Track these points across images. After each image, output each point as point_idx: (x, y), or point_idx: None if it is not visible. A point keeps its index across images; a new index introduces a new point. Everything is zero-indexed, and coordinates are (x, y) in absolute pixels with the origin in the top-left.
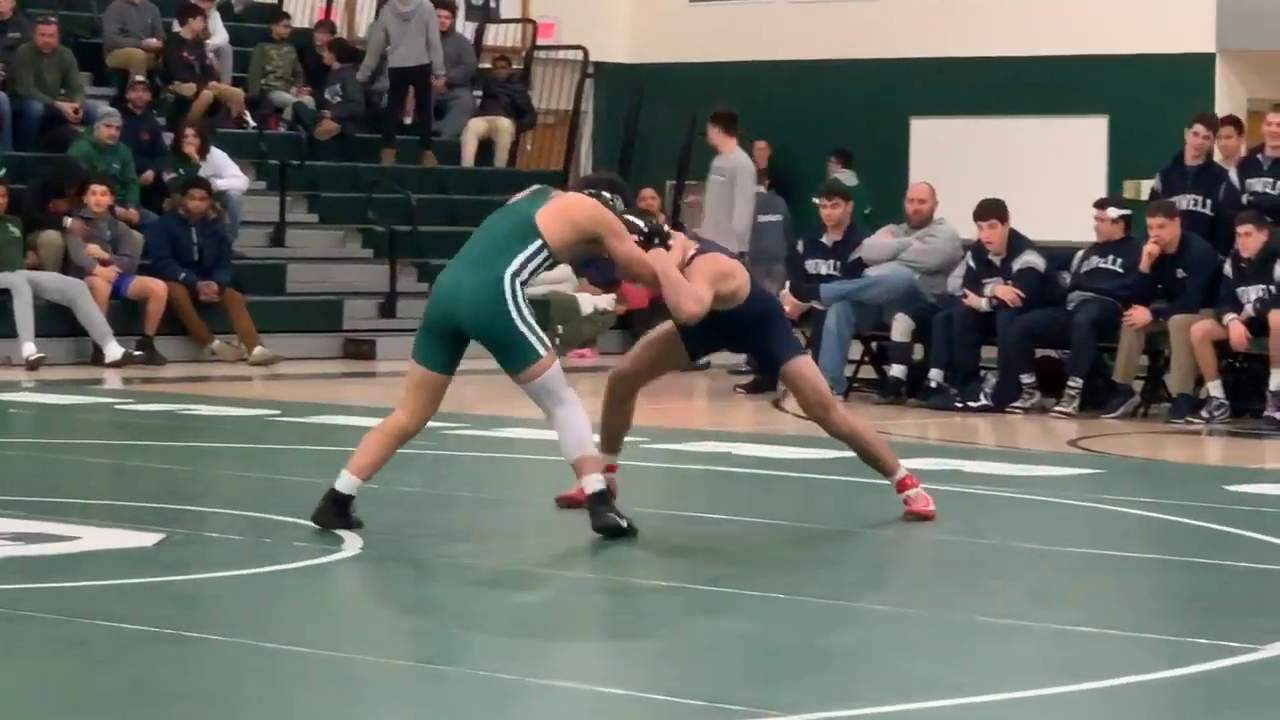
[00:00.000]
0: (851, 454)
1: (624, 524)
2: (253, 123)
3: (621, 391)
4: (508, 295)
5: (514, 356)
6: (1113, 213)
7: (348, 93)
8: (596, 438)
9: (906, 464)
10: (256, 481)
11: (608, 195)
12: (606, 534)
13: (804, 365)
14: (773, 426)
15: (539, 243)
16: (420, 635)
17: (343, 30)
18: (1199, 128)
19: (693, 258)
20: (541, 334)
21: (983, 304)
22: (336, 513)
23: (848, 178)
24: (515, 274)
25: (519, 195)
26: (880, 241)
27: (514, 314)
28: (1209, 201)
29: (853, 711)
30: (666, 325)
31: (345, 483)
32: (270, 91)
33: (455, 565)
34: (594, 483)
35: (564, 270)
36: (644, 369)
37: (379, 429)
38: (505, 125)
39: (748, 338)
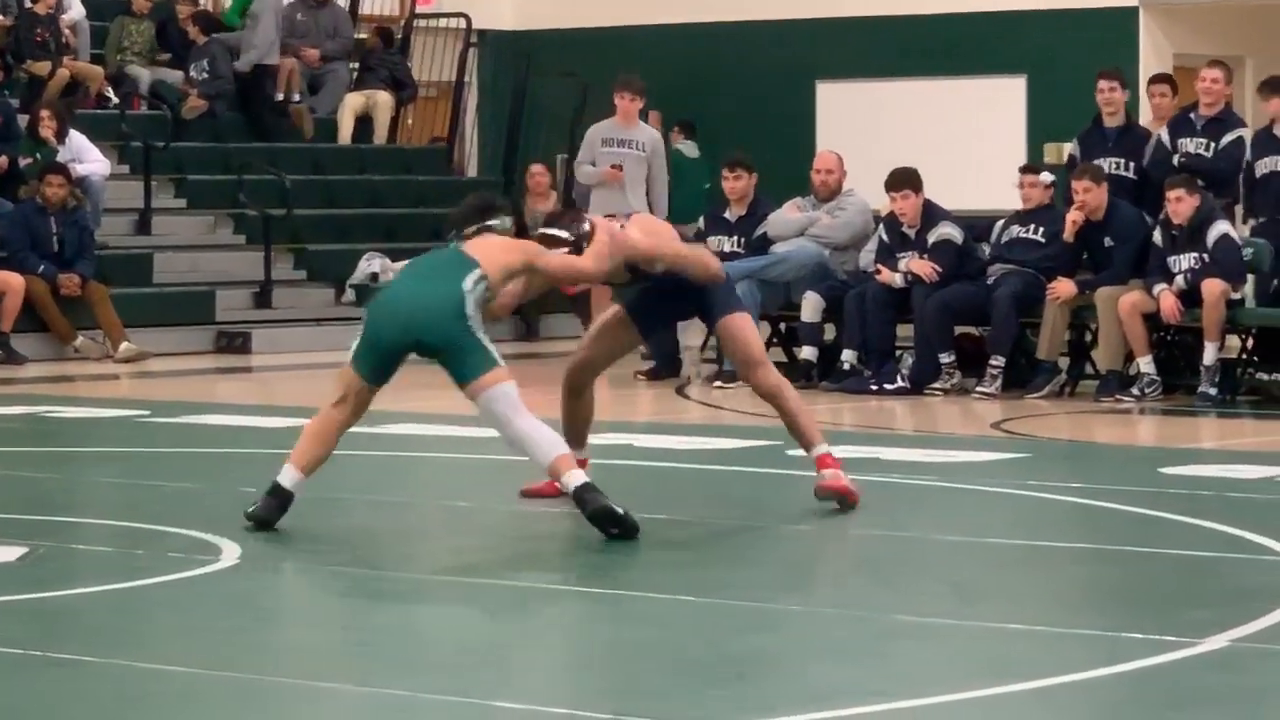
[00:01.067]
0: (761, 444)
1: (620, 510)
2: (115, 101)
3: (579, 383)
4: (467, 305)
5: (474, 365)
6: (1046, 177)
7: (215, 69)
8: None
9: None
10: (127, 488)
11: (494, 223)
12: (604, 520)
13: (739, 320)
14: (676, 416)
15: (479, 270)
16: (304, 651)
17: (206, 2)
18: (1103, 84)
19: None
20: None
21: (897, 279)
22: (279, 509)
23: (689, 149)
24: (469, 290)
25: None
26: (786, 216)
27: (473, 322)
28: (1132, 165)
29: None
30: (613, 310)
31: (289, 478)
32: (127, 66)
33: (340, 574)
34: (576, 478)
35: None
36: (600, 356)
37: (321, 426)
38: (384, 100)
39: (689, 298)
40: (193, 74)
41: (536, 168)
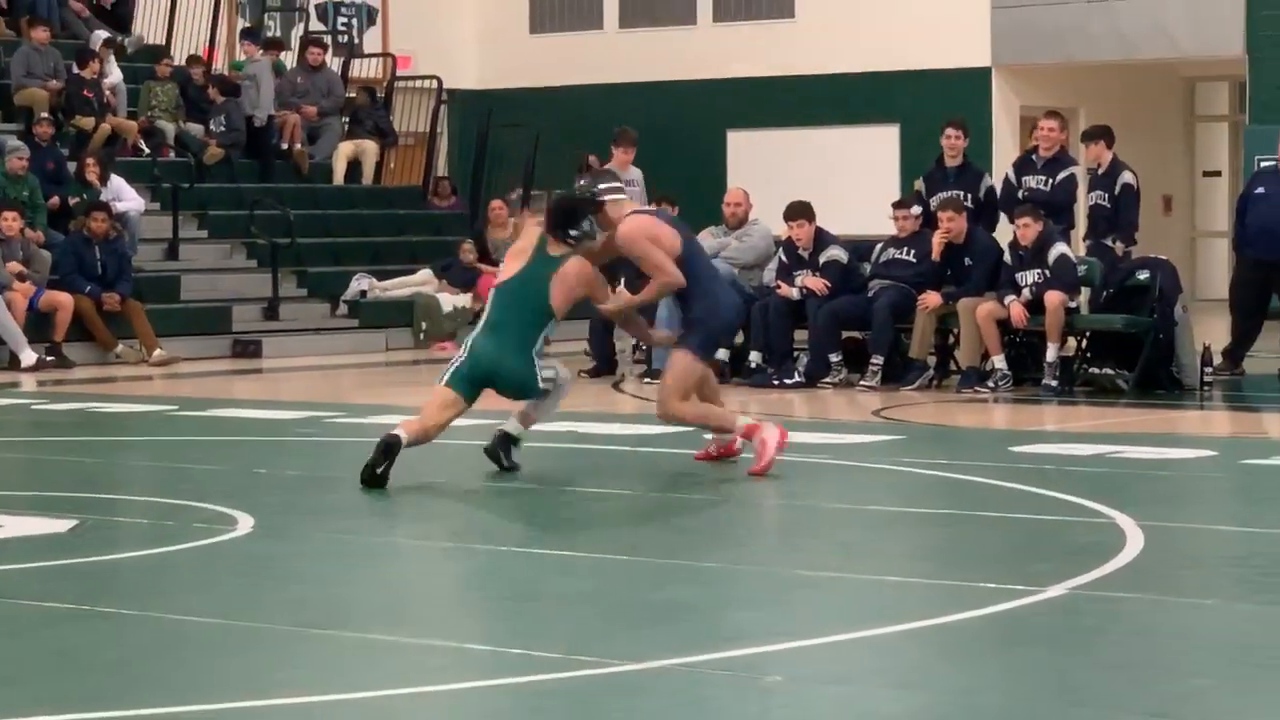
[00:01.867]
0: (682, 430)
1: (505, 462)
2: (147, 151)
3: (699, 393)
4: (536, 368)
5: (531, 394)
6: (915, 210)
7: (231, 122)
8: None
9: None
10: (159, 470)
11: (579, 234)
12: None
13: (678, 355)
14: (612, 407)
15: (552, 320)
16: (304, 603)
17: (222, 67)
18: (950, 131)
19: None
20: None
21: (794, 293)
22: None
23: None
24: (538, 350)
25: (528, 258)
26: (702, 241)
27: (539, 378)
28: (970, 196)
29: (688, 659)
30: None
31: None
32: (157, 121)
33: (335, 540)
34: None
35: (425, 274)
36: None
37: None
38: (371, 147)
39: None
40: (212, 127)
41: (496, 202)
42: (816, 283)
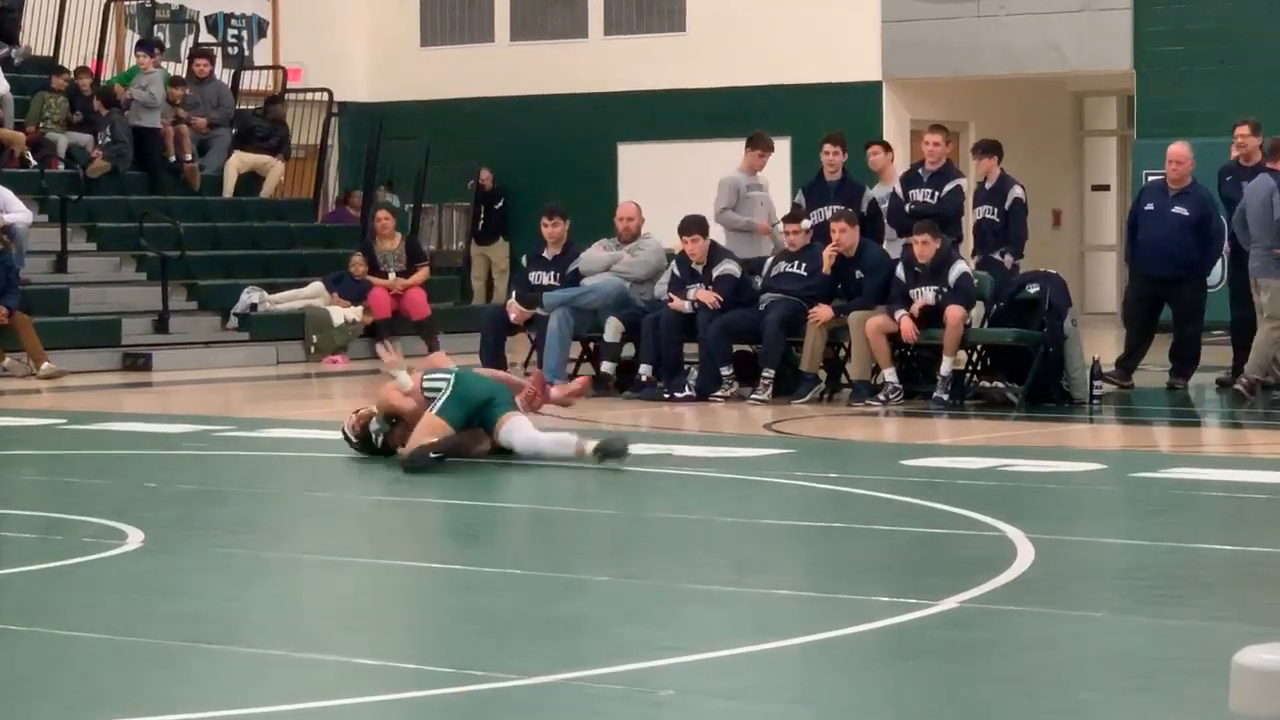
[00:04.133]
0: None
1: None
2: (34, 162)
3: None
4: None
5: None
6: (805, 224)
7: (116, 134)
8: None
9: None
10: (46, 484)
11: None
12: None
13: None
14: None
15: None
16: (194, 618)
17: (110, 79)
18: (828, 147)
19: None
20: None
21: (686, 306)
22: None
23: (395, 200)
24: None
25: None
26: (594, 254)
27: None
28: (851, 210)
29: (580, 673)
30: None
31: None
32: (48, 133)
33: (226, 555)
34: (589, 444)
35: (316, 287)
36: None
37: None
38: (276, 164)
39: None
40: (99, 140)
41: (382, 212)
42: (709, 296)
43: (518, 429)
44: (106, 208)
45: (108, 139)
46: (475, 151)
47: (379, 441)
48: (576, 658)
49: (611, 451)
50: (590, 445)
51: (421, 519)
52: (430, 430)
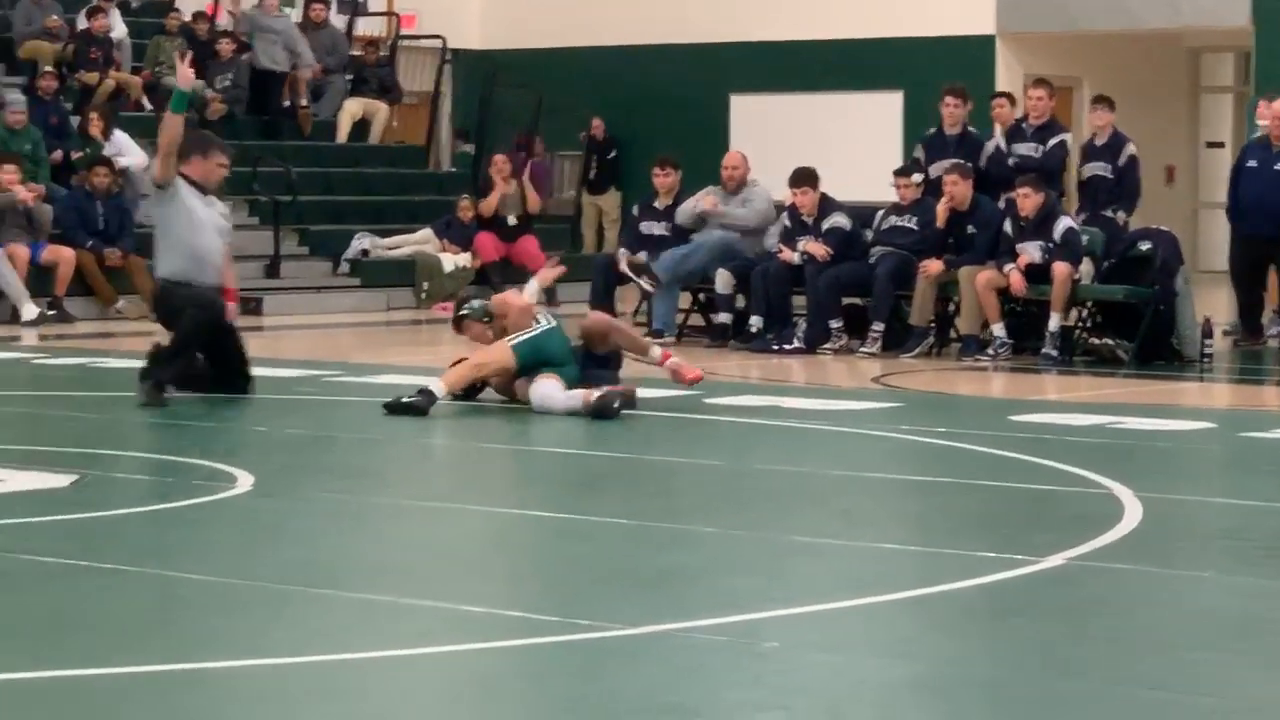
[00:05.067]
0: (680, 393)
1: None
2: (150, 106)
3: None
4: None
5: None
6: (916, 177)
7: (236, 78)
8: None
9: (730, 399)
10: (159, 427)
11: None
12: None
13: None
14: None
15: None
16: (300, 563)
17: (224, 22)
18: (949, 99)
19: None
20: None
21: (795, 258)
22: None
23: (470, 150)
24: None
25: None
26: (686, 206)
27: None
28: (970, 164)
29: (685, 624)
30: None
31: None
32: (163, 78)
33: (335, 500)
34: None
35: (426, 233)
36: None
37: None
38: (382, 108)
39: None
40: (217, 83)
41: (498, 156)
42: (818, 248)
43: (542, 383)
44: None
45: (228, 82)
46: (588, 101)
47: (475, 307)
48: (681, 608)
49: (603, 409)
50: (594, 396)
51: (529, 466)
52: (496, 354)
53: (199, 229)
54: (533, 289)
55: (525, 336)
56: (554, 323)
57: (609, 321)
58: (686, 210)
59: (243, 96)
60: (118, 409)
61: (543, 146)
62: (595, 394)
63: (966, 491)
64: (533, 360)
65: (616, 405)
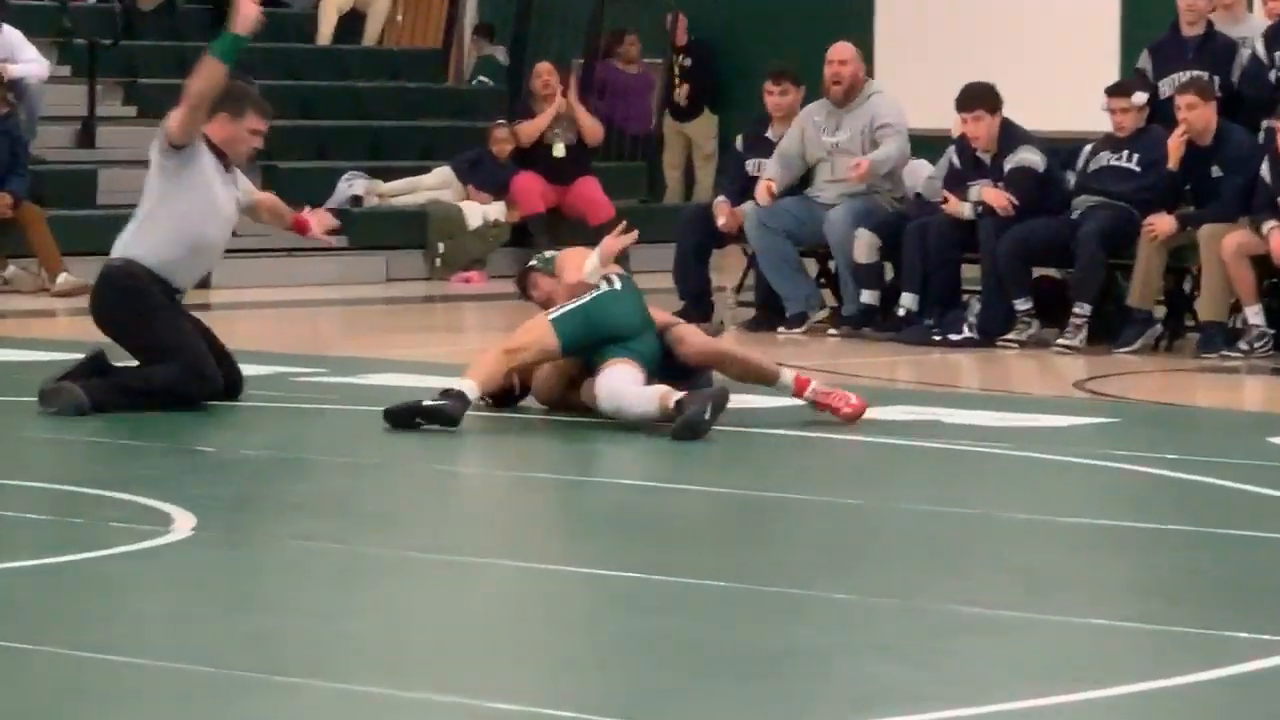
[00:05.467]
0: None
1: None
2: None
3: None
4: None
5: None
6: (1139, 98)
7: None
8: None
9: (874, 412)
10: (63, 445)
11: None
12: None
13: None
14: None
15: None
16: (267, 639)
17: None
18: None
19: None
20: None
21: (966, 210)
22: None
23: (501, 55)
24: None
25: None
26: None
27: None
28: (1217, 79)
29: None
30: None
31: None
32: None
33: (309, 549)
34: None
35: (444, 174)
36: None
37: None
38: None
39: None
40: None
41: (543, 66)
42: (999, 197)
43: (611, 374)
44: (152, 57)
45: None
46: None
47: (546, 258)
48: (798, 708)
49: (688, 426)
50: (673, 400)
51: (578, 504)
52: (533, 333)
53: (210, 214)
54: (593, 265)
55: (571, 306)
56: (618, 284)
57: (719, 350)
58: (787, 156)
59: None
60: (5, 419)
61: (639, 48)
62: (675, 397)
63: (1205, 544)
64: (585, 337)
65: (706, 417)
